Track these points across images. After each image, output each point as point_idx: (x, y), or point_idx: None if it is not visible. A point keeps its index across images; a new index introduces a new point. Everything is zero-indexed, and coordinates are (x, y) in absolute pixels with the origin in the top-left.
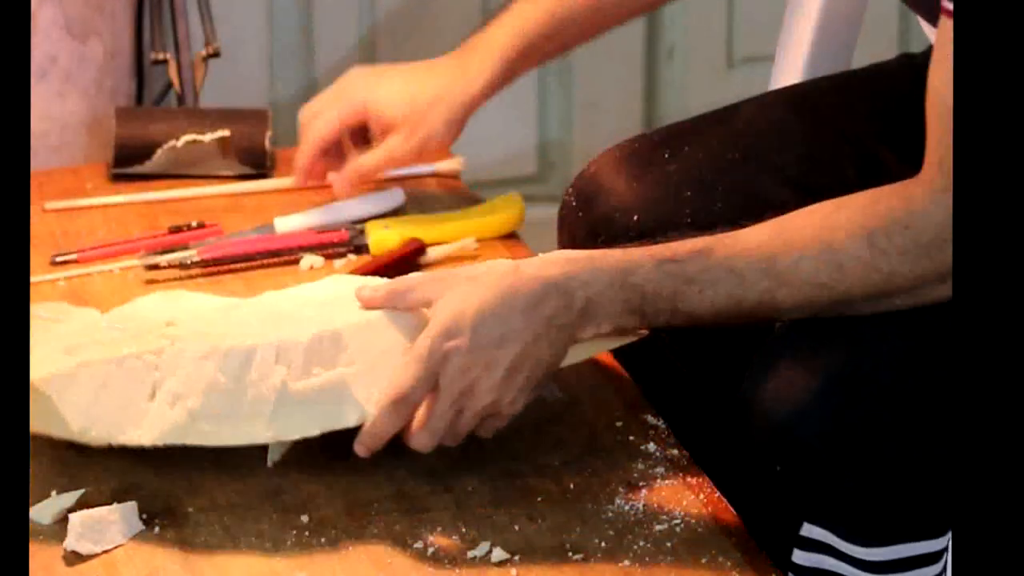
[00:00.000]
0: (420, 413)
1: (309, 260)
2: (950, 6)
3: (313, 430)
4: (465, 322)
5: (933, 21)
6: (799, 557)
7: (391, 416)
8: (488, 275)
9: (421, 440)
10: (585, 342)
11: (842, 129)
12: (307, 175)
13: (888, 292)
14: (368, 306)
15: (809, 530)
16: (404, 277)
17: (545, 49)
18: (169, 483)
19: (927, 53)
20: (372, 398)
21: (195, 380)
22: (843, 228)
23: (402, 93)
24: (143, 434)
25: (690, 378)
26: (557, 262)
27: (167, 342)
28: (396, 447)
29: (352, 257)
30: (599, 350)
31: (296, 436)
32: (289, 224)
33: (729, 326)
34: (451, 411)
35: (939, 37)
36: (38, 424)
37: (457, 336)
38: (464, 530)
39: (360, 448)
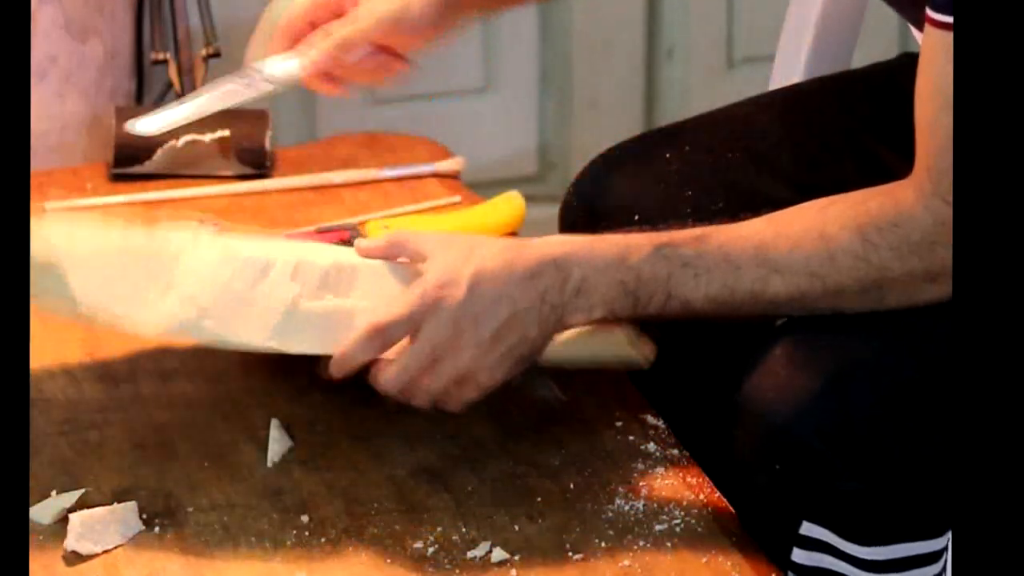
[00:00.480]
0: (395, 351)
1: None
2: (935, 16)
3: (314, 349)
4: (463, 278)
5: (918, 26)
6: (798, 556)
7: (365, 345)
8: (490, 244)
9: (388, 378)
10: (581, 345)
11: (842, 129)
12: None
13: (880, 288)
14: (366, 255)
15: (808, 529)
16: (406, 230)
17: None
18: (169, 483)
19: None
20: None
21: (209, 282)
22: (836, 221)
23: None
24: (149, 323)
25: (690, 378)
26: (558, 242)
27: (189, 244)
28: (397, 446)
29: None
30: (594, 358)
31: (295, 351)
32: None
33: (721, 319)
34: (427, 359)
35: (924, 46)
36: (43, 299)
37: (452, 288)
38: (464, 530)
39: (326, 371)
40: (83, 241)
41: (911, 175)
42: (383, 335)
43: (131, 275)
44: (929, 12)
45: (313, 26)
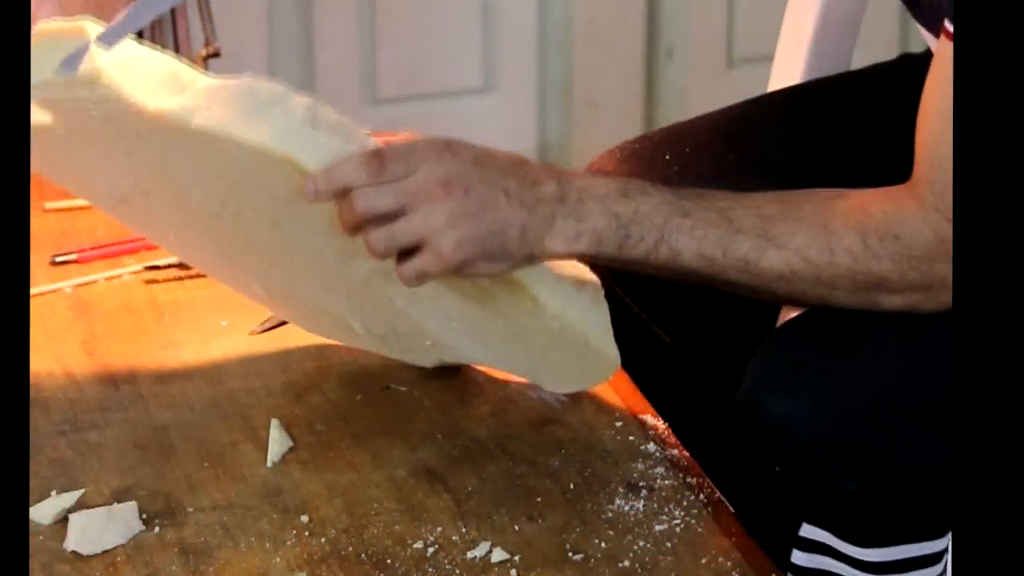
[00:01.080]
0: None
1: None
2: (952, 28)
3: (305, 162)
4: (473, 151)
5: (934, 33)
6: (798, 558)
7: (358, 165)
8: (507, 154)
9: (361, 198)
10: (564, 293)
11: (842, 130)
12: None
13: (875, 292)
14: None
15: (808, 530)
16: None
17: None
18: (169, 483)
19: (928, 53)
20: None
21: (227, 87)
22: (840, 217)
23: None
24: (156, 104)
25: (690, 378)
26: (566, 168)
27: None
28: (397, 446)
29: None
30: (566, 319)
31: (292, 154)
32: None
33: (704, 282)
34: (406, 199)
35: (937, 57)
36: (39, 69)
37: (460, 153)
38: (464, 530)
39: (308, 183)
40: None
41: (911, 183)
42: (379, 161)
43: (147, 64)
44: (947, 24)
45: None
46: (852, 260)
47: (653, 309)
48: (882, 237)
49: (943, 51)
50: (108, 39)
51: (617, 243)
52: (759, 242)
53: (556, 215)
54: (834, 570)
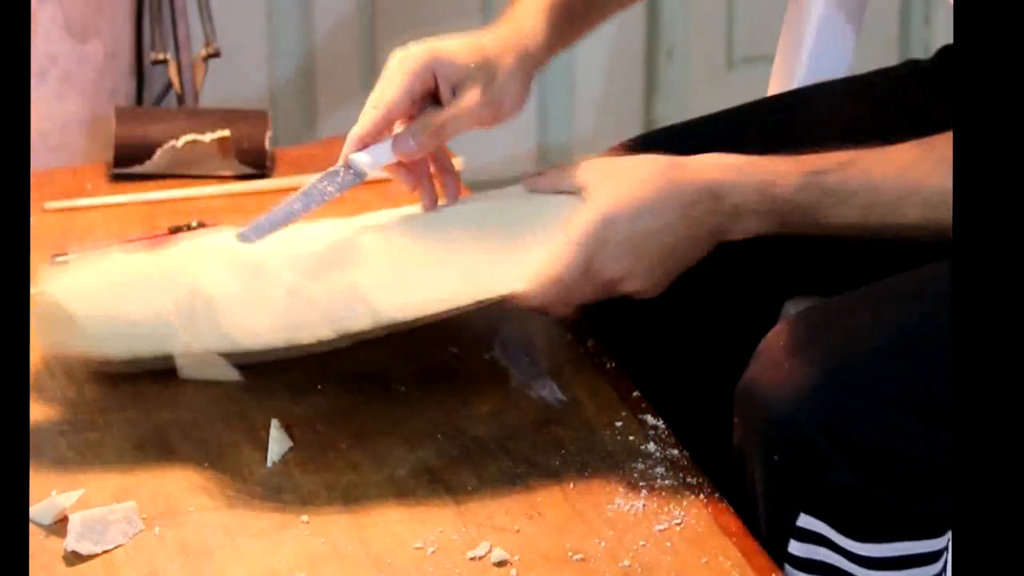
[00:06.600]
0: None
1: None
2: None
3: (324, 333)
4: (623, 212)
5: None
6: (795, 548)
7: (544, 293)
8: (646, 168)
9: (547, 295)
10: None
11: (844, 135)
12: (363, 142)
13: None
14: (530, 187)
15: (806, 521)
16: (565, 165)
17: (586, 14)
18: (169, 483)
19: (932, 60)
20: (390, 300)
21: (207, 296)
22: None
23: (467, 44)
24: (170, 345)
25: (690, 376)
26: (714, 166)
27: (186, 258)
28: (397, 447)
29: None
30: None
31: (309, 337)
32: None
33: (860, 239)
34: (594, 292)
35: None
36: (56, 339)
37: (615, 225)
38: (464, 530)
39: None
40: (90, 288)
41: None
42: (560, 284)
43: (135, 300)
44: None
45: (410, 115)
46: None
47: (654, 306)
48: None
49: None
50: (250, 235)
51: (776, 228)
52: (901, 191)
53: (720, 228)
54: (831, 562)
